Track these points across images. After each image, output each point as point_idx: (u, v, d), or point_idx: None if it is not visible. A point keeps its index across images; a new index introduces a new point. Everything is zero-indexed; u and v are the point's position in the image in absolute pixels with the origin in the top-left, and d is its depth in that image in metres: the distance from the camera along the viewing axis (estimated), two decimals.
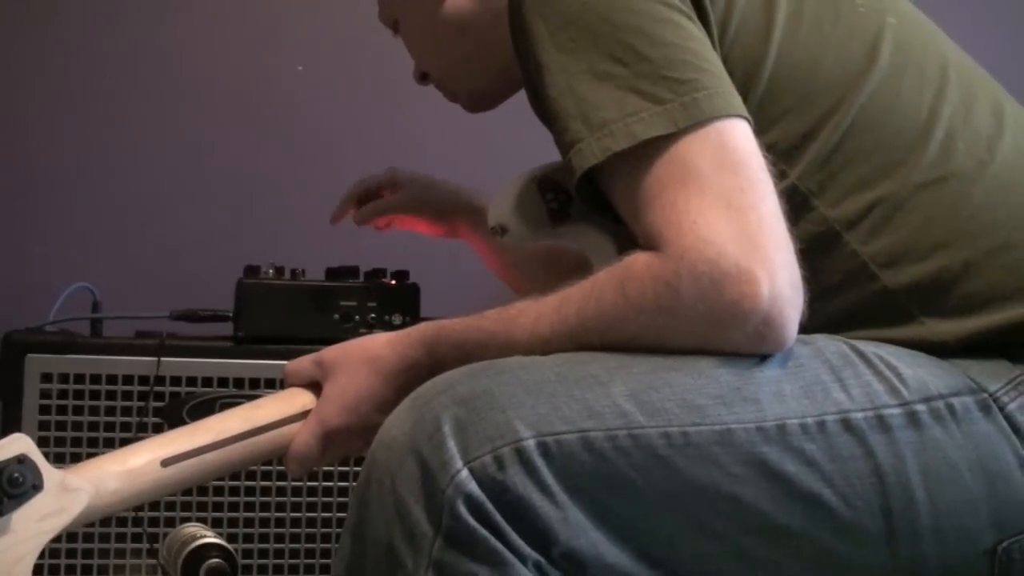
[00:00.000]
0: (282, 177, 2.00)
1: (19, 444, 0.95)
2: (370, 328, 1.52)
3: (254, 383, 1.48)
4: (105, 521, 1.45)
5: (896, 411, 0.92)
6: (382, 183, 1.57)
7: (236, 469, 1.09)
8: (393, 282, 1.55)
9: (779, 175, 0.99)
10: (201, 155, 1.99)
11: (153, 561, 1.45)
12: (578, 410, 0.88)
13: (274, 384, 1.48)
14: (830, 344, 0.96)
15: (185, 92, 2.00)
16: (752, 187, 0.92)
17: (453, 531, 0.84)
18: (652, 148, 0.93)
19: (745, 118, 0.95)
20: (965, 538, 0.93)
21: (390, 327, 1.52)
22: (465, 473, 0.85)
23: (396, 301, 1.54)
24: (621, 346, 0.93)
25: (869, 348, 0.96)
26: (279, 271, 1.54)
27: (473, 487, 0.84)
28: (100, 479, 0.99)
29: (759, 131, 0.98)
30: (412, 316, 1.53)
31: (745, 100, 0.99)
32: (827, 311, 1.00)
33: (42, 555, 1.43)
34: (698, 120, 0.93)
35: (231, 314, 1.53)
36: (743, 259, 0.89)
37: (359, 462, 1.48)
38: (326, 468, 1.49)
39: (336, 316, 1.52)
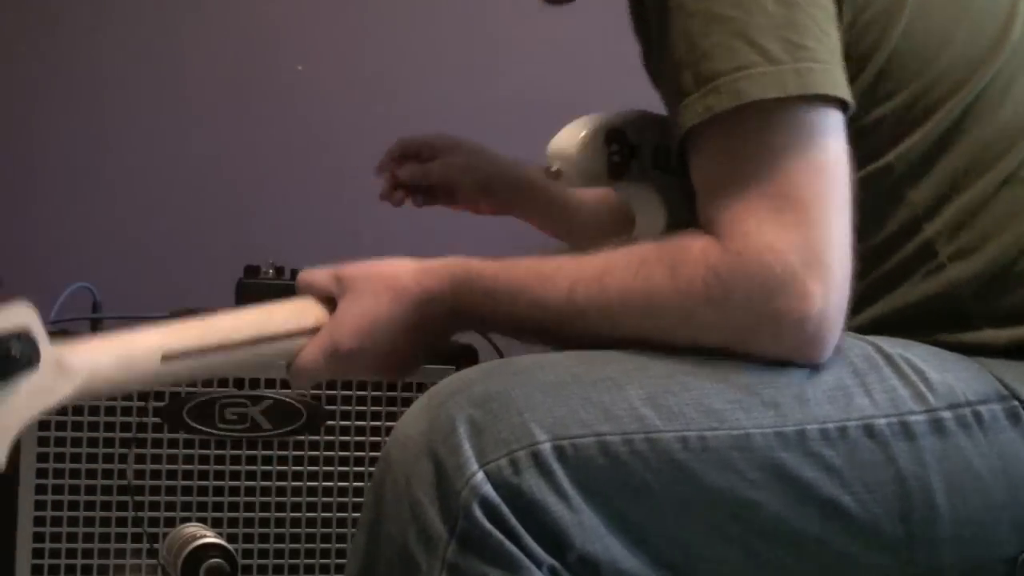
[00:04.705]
0: (282, 177, 2.00)
1: (21, 316, 0.91)
2: None
3: (254, 383, 1.48)
4: (105, 521, 1.45)
5: (921, 418, 0.91)
6: (423, 146, 1.49)
7: (235, 374, 1.05)
8: None
9: (876, 153, 0.96)
10: (201, 155, 1.99)
11: (153, 561, 1.44)
12: (595, 413, 0.87)
13: (274, 384, 1.48)
14: (855, 346, 0.93)
15: (185, 92, 2.00)
16: (831, 196, 0.89)
17: (468, 534, 0.84)
18: (751, 115, 0.89)
19: (847, 106, 0.91)
20: (985, 547, 0.92)
21: None
22: (480, 476, 0.84)
23: None
24: (654, 332, 0.91)
25: (896, 350, 0.94)
26: (279, 271, 1.54)
27: (488, 490, 0.84)
28: (97, 364, 0.96)
29: (870, 104, 0.95)
30: None
31: (864, 68, 0.95)
32: (886, 305, 0.98)
33: (42, 555, 1.44)
34: (808, 92, 0.89)
35: None
36: (802, 272, 0.87)
37: (359, 462, 1.48)
38: (326, 468, 1.49)
39: None
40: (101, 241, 1.94)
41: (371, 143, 2.04)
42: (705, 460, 0.87)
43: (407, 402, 1.49)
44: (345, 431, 1.49)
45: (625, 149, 1.11)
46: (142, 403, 1.45)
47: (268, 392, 1.48)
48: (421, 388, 1.50)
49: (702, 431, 0.87)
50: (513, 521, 0.84)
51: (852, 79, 0.93)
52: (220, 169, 2.00)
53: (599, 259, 0.95)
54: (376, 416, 1.50)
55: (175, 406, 1.46)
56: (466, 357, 1.53)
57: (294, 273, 1.54)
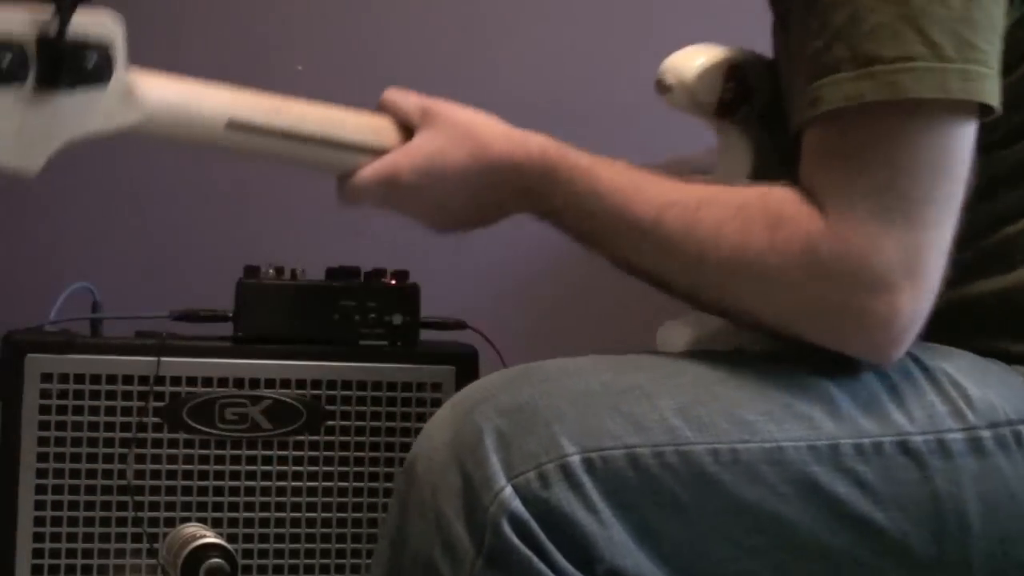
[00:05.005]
0: (282, 177, 2.00)
1: (106, 28, 0.87)
2: (371, 328, 1.52)
3: (254, 383, 1.48)
4: (105, 521, 1.45)
5: (959, 436, 0.89)
6: None
7: (287, 165, 1.01)
8: (393, 282, 1.55)
9: (995, 145, 0.93)
10: (201, 155, 1.98)
11: (153, 561, 1.44)
12: (624, 424, 0.85)
13: (274, 384, 1.48)
14: None
15: None
16: (947, 204, 0.87)
17: (495, 550, 0.82)
18: (900, 108, 0.85)
19: (991, 113, 0.88)
20: (1018, 569, 0.90)
21: (391, 327, 1.52)
22: (509, 490, 0.83)
23: (396, 301, 1.54)
24: (735, 281, 0.88)
25: (936, 362, 0.92)
26: (279, 271, 1.54)
27: (517, 505, 0.82)
28: (162, 108, 0.92)
29: (1011, 100, 0.89)
30: (412, 316, 1.53)
31: (1018, 66, 0.91)
32: (949, 297, 0.93)
33: (42, 555, 1.44)
34: (969, 98, 0.85)
35: (231, 314, 1.53)
36: (900, 274, 0.85)
37: (359, 462, 1.48)
38: (326, 468, 1.49)
39: (336, 316, 1.52)
40: (101, 241, 1.94)
41: None
42: (736, 473, 0.86)
43: (407, 402, 1.50)
44: (345, 431, 1.49)
45: (740, 90, 1.06)
46: (142, 403, 1.45)
47: (268, 392, 1.48)
48: (422, 387, 1.50)
49: (733, 443, 0.86)
50: (542, 537, 0.82)
51: (1004, 74, 0.90)
52: (220, 169, 1.99)
53: (696, 190, 0.92)
54: (376, 416, 1.50)
55: (175, 406, 1.46)
56: (466, 358, 1.52)
57: (294, 273, 1.54)
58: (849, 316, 0.86)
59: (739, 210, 0.89)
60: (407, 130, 1.03)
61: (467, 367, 1.51)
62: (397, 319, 1.53)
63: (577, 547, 0.83)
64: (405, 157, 1.00)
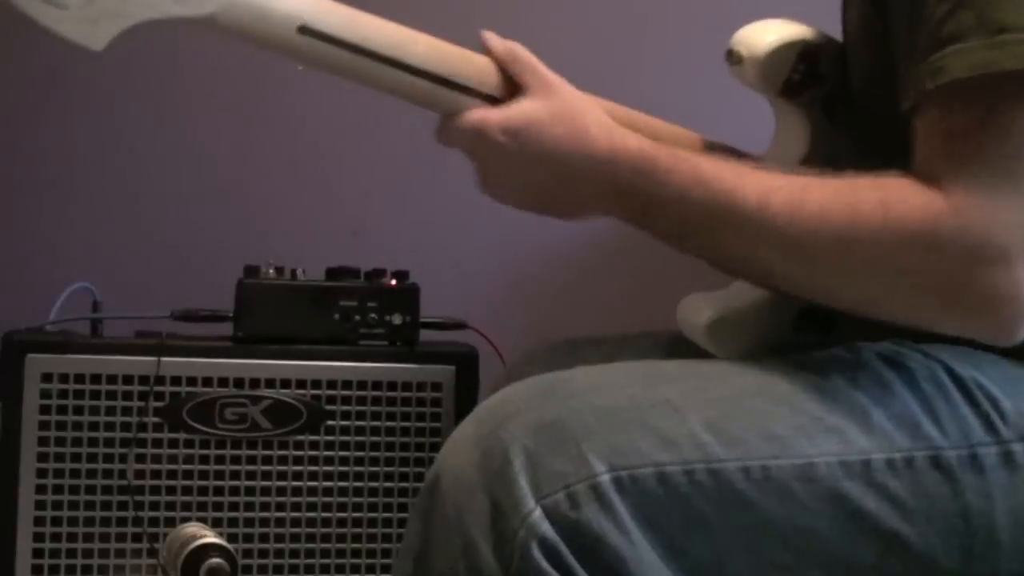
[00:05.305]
0: (282, 177, 2.00)
1: None
2: (371, 328, 1.52)
3: (254, 383, 1.48)
4: (105, 521, 1.45)
5: (991, 450, 0.88)
6: None
7: (355, 82, 0.97)
8: (393, 282, 1.55)
9: None
10: (201, 155, 1.99)
11: (153, 561, 1.45)
12: (654, 441, 0.84)
13: (274, 384, 1.48)
14: (923, 367, 0.90)
15: (185, 91, 2.00)
16: None
17: (524, 575, 0.81)
18: (1020, 81, 0.82)
19: None
20: None
21: (391, 327, 1.52)
22: (538, 513, 0.81)
23: (396, 301, 1.54)
24: (844, 261, 0.85)
25: (968, 371, 0.90)
26: (279, 271, 1.54)
27: (547, 528, 0.81)
28: (235, 2, 0.90)
29: None
30: (412, 316, 1.53)
31: None
32: None
33: (42, 555, 1.44)
34: None
35: (231, 314, 1.53)
36: (1020, 249, 0.82)
37: (359, 462, 1.48)
38: (326, 468, 1.49)
39: (336, 316, 1.52)
40: (101, 241, 1.94)
41: (371, 143, 2.04)
42: (766, 491, 0.85)
43: (407, 402, 1.50)
44: (345, 431, 1.49)
45: (809, 74, 1.03)
46: (142, 403, 1.45)
47: (268, 392, 1.48)
48: (422, 387, 1.50)
49: (764, 460, 0.85)
50: (572, 561, 0.81)
51: None
52: (220, 169, 1.99)
53: (798, 175, 0.89)
54: (376, 416, 1.50)
55: (175, 406, 1.46)
56: (466, 358, 1.52)
57: (294, 273, 1.54)
58: (972, 293, 0.83)
59: (850, 191, 0.86)
60: (510, 82, 0.99)
61: (467, 367, 1.52)
62: (397, 319, 1.53)
63: (607, 569, 0.81)
64: (500, 115, 0.97)
